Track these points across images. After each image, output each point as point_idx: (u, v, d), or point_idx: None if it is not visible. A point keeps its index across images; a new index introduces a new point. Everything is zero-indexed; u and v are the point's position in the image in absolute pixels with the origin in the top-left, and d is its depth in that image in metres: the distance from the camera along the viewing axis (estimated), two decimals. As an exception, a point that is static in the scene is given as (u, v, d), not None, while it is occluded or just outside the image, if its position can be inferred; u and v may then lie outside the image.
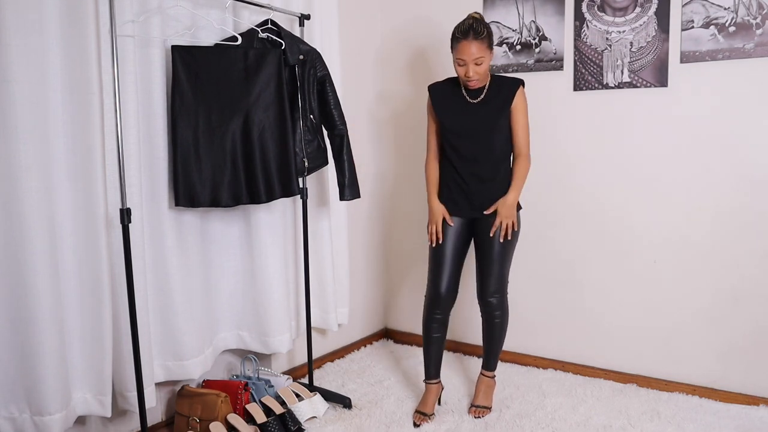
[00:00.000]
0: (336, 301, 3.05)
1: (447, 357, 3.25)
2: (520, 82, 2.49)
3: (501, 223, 2.49)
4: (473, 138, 2.50)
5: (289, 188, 2.45)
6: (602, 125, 2.89)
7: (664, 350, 2.84)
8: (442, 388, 2.76)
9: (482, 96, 2.49)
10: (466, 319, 3.28)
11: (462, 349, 3.36)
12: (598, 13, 2.82)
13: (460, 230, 2.57)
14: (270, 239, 2.62)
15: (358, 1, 3.30)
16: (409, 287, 3.53)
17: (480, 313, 2.64)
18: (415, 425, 2.57)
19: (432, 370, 2.66)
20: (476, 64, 2.39)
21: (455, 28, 2.42)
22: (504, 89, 2.48)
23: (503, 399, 2.77)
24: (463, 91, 2.53)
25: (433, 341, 2.62)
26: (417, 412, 2.63)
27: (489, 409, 2.66)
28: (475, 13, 2.46)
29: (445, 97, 2.56)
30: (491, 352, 2.67)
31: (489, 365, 2.70)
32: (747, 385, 2.68)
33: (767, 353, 2.63)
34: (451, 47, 2.43)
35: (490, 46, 2.43)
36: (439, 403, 2.73)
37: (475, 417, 2.61)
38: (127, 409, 2.22)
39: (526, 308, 3.17)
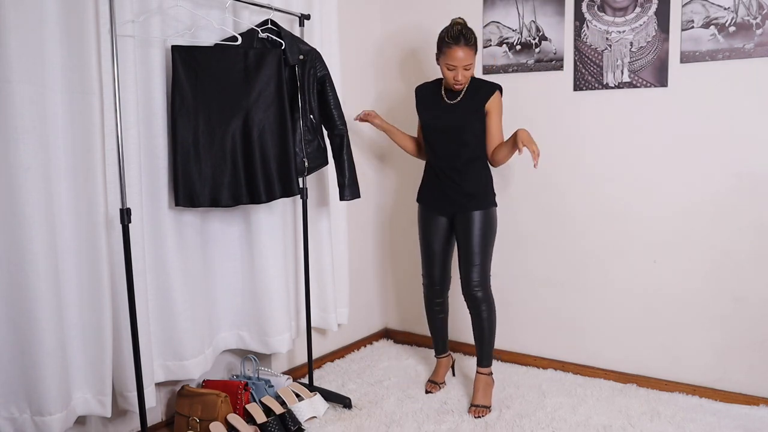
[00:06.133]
0: (336, 301, 3.05)
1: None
2: (497, 87, 2.62)
3: (521, 144, 2.42)
4: (447, 136, 2.64)
5: (289, 188, 2.45)
6: (602, 125, 2.89)
7: (664, 350, 2.84)
8: (453, 360, 3.04)
9: (459, 97, 2.63)
10: (466, 320, 3.27)
11: (462, 349, 3.35)
12: (598, 13, 2.82)
13: (445, 226, 2.75)
14: (270, 239, 2.62)
15: (358, 1, 3.30)
16: (409, 287, 3.53)
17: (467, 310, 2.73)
18: (427, 392, 2.84)
19: (440, 347, 2.95)
20: (465, 69, 2.53)
21: (444, 33, 2.55)
22: (480, 93, 2.61)
23: (503, 399, 2.77)
24: (443, 92, 2.67)
25: (438, 321, 2.90)
26: (429, 381, 2.91)
27: (488, 408, 2.67)
28: (459, 18, 2.59)
29: (428, 97, 2.73)
30: (483, 348, 2.71)
31: (483, 362, 2.72)
32: (747, 385, 2.68)
33: (767, 353, 2.63)
34: (440, 51, 2.57)
35: (476, 51, 2.57)
36: (453, 374, 3.02)
37: (475, 417, 2.62)
38: (127, 409, 2.22)
39: (526, 308, 3.17)
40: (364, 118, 2.84)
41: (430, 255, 2.78)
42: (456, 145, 2.63)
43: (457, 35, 2.49)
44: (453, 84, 2.57)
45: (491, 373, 2.74)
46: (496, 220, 2.69)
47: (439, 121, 2.66)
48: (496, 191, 2.73)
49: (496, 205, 2.69)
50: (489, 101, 2.58)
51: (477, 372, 2.73)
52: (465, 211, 2.64)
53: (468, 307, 2.70)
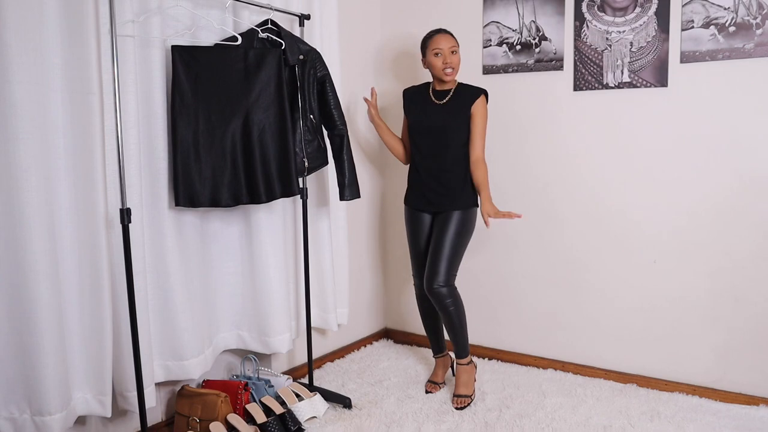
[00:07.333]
0: (336, 301, 3.05)
1: (447, 357, 3.26)
2: (483, 92, 2.70)
3: (487, 219, 2.55)
4: (433, 136, 2.72)
5: (289, 188, 2.45)
6: (602, 125, 2.89)
7: (664, 350, 2.84)
8: (452, 360, 2.99)
9: (446, 99, 2.71)
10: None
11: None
12: (598, 13, 2.82)
13: (429, 225, 2.81)
14: (270, 239, 2.62)
15: (358, 1, 3.30)
16: (409, 287, 3.53)
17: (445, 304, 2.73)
18: (427, 392, 2.85)
19: (436, 346, 2.94)
20: (452, 53, 2.65)
21: (426, 34, 2.70)
22: (466, 96, 2.69)
23: (503, 399, 2.77)
24: (431, 93, 2.77)
25: (430, 320, 2.90)
26: (429, 381, 2.91)
27: (469, 397, 2.72)
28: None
29: (416, 98, 2.82)
30: (457, 340, 2.73)
31: (459, 353, 2.76)
32: (747, 385, 2.68)
33: (767, 353, 2.63)
34: (425, 46, 2.70)
35: (458, 45, 2.70)
36: (453, 374, 2.94)
37: (455, 407, 2.67)
38: (127, 409, 2.21)
39: (526, 308, 3.17)
40: (367, 100, 2.96)
41: (418, 254, 2.83)
42: (441, 146, 2.70)
43: (437, 28, 2.69)
44: (443, 70, 2.64)
45: (470, 362, 2.78)
46: (474, 221, 2.75)
47: (426, 121, 2.73)
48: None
49: (476, 206, 2.72)
50: (474, 104, 2.66)
51: (456, 364, 2.78)
52: (445, 210, 2.71)
53: (434, 304, 2.72)
